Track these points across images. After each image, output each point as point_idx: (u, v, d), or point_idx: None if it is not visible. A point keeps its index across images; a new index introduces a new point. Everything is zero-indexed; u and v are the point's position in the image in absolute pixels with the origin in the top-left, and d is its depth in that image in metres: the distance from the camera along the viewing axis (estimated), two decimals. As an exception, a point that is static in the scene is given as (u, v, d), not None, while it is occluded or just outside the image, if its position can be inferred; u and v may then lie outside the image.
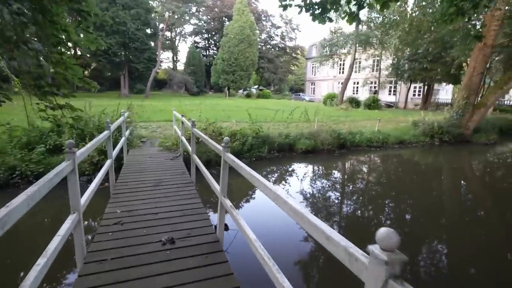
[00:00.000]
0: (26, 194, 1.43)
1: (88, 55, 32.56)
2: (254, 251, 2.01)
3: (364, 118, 17.23)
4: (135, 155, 6.55)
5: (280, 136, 9.68)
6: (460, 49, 15.84)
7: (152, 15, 34.18)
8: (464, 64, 21.97)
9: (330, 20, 5.63)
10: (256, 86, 54.10)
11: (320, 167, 9.05)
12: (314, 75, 52.03)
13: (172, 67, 52.11)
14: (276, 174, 8.09)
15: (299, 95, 46.01)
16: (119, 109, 8.13)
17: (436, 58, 24.13)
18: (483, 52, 11.98)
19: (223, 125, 9.61)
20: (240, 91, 44.19)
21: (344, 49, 29.04)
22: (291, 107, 25.68)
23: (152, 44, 34.04)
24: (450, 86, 36.00)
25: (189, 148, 5.01)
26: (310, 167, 9.00)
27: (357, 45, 25.76)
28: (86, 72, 45.29)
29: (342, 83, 45.79)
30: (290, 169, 8.65)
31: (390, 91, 37.84)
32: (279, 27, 54.09)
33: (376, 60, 37.46)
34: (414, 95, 35.64)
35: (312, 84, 52.74)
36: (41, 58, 2.68)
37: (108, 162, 4.09)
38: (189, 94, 40.68)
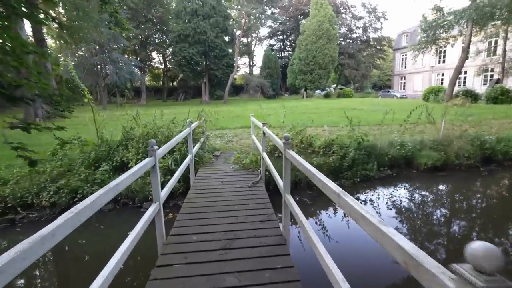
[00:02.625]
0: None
1: (176, 67, 35.09)
2: None
3: (498, 117, 12.59)
4: (204, 177, 5.07)
5: (391, 145, 7.02)
6: None
7: (230, 21, 34.69)
8: None
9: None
10: (334, 85, 50.03)
11: (470, 197, 5.97)
12: (405, 67, 44.94)
13: (248, 72, 52.74)
14: (398, 210, 5.53)
15: (388, 91, 40.14)
16: (191, 117, 6.95)
17: None
18: None
19: (308, 131, 7.51)
20: (318, 91, 41.21)
21: (452, 30, 23.16)
22: (384, 105, 21.76)
23: (230, 50, 34.52)
24: None
25: (279, 181, 3.12)
26: (450, 196, 6.04)
27: (473, 23, 20.01)
28: (174, 83, 49.99)
29: (443, 74, 38.29)
30: (416, 198, 5.93)
31: (516, 79, 29.12)
32: (361, 18, 48.85)
33: (494, 42, 29.40)
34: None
35: (402, 78, 45.70)
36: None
37: (152, 208, 2.51)
38: (265, 98, 40.01)
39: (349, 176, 6.17)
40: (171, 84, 49.61)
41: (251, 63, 54.59)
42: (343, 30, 47.78)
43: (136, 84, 39.33)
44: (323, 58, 35.31)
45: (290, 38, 50.84)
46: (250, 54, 52.92)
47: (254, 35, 50.87)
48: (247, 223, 3.04)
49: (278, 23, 49.40)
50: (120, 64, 26.61)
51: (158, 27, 38.10)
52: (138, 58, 36.14)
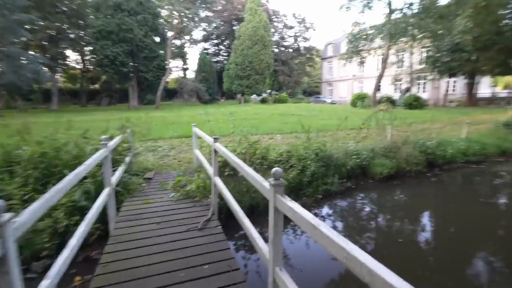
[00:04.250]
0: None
1: (97, 68, 30.60)
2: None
3: (419, 121, 13.89)
4: (132, 215, 3.60)
5: (347, 155, 6.60)
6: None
7: (160, 20, 32.06)
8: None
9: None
10: (269, 91, 51.15)
11: (434, 206, 5.82)
12: (331, 75, 48.84)
13: (182, 75, 50.00)
14: (373, 227, 4.99)
15: (319, 97, 42.83)
16: (110, 127, 5.29)
17: (487, 45, 20.45)
18: None
19: (253, 140, 6.53)
20: (253, 96, 41.33)
21: (373, 43, 25.73)
22: (319, 111, 22.58)
23: (162, 52, 31.77)
24: (485, 80, 30.93)
25: (262, 248, 1.95)
26: (415, 206, 5.79)
27: (390, 37, 22.45)
28: (96, 86, 43.87)
29: (363, 82, 42.68)
30: (386, 212, 5.53)
31: (418, 88, 34.15)
32: (291, 27, 51.32)
33: (402, 55, 33.93)
34: (447, 91, 31.85)
35: (329, 85, 49.56)
36: None
37: None
38: (200, 103, 38.23)
39: (310, 193, 5.44)
40: (92, 86, 43.55)
41: (184, 66, 51.97)
42: (276, 37, 49.34)
43: (46, 86, 33.07)
44: (259, 63, 35.55)
45: (225, 43, 50.19)
46: (183, 57, 50.29)
47: (187, 37, 48.54)
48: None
49: (212, 27, 48.21)
50: (20, 61, 21.69)
51: (72, 20, 32.80)
52: (48, 55, 30.40)
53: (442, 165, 7.51)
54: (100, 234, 3.74)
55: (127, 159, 4.74)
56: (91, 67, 35.99)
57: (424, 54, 28.51)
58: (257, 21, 34.57)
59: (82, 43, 34.23)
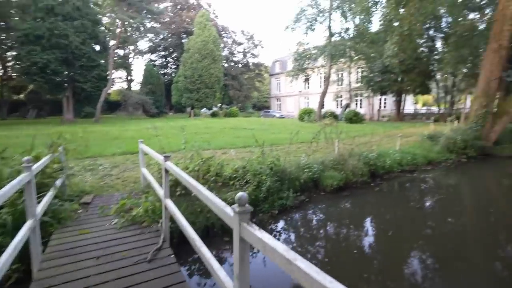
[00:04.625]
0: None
1: (22, 76, 26.87)
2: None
3: (360, 134, 15.15)
4: (63, 250, 3.01)
5: (299, 168, 6.74)
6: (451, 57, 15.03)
7: (101, 28, 29.88)
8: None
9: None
10: (219, 105, 51.08)
11: (390, 222, 6.18)
12: (279, 91, 51.08)
13: (126, 87, 46.95)
14: (332, 239, 5.06)
15: (269, 111, 44.15)
16: (37, 144, 4.53)
17: (409, 68, 23.67)
18: (499, 54, 10.65)
19: (206, 155, 6.30)
20: (204, 110, 40.77)
21: (317, 62, 27.79)
22: (270, 125, 23.18)
23: (102, 61, 29.41)
24: (408, 98, 35.57)
25: (221, 279, 1.75)
26: (363, 218, 6.08)
27: (331, 57, 24.55)
28: (21, 96, 38.45)
29: (309, 98, 45.51)
30: (339, 222, 5.71)
31: (356, 104, 37.70)
32: (240, 43, 52.59)
33: (341, 74, 37.25)
34: (380, 107, 35.75)
35: (277, 100, 51.65)
36: None
37: None
38: (147, 116, 36.16)
39: (267, 209, 5.37)
40: (16, 96, 38.19)
41: (129, 78, 49.01)
42: (225, 52, 49.96)
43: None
44: (209, 77, 35.38)
45: (173, 55, 48.95)
46: (127, 67, 47.45)
47: (132, 47, 46.11)
48: None
49: (159, 38, 46.78)
50: None
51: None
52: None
53: (383, 175, 8.19)
54: (19, 277, 3.06)
55: (58, 182, 4.05)
56: (15, 74, 31.62)
57: (360, 74, 31.72)
58: (206, 35, 34.61)
59: (3, 47, 29.97)
